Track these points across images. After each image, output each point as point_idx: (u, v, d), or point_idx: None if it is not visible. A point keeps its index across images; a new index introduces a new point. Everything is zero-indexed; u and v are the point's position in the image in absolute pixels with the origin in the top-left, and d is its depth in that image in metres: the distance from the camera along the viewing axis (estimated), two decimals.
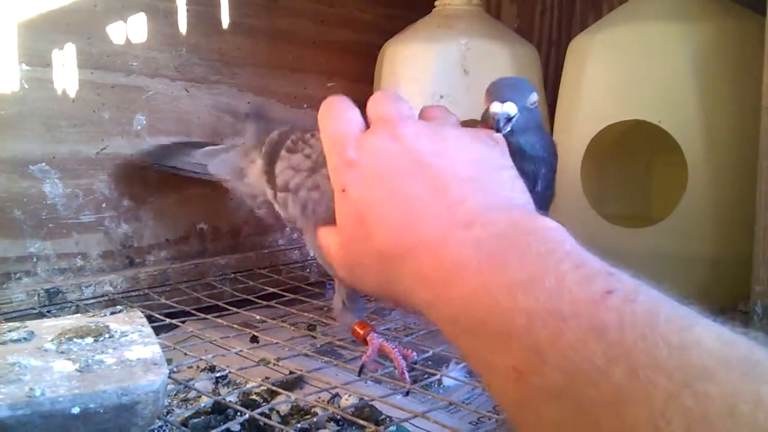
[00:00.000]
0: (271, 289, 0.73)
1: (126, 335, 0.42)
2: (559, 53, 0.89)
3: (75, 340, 0.41)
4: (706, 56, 0.60)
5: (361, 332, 0.52)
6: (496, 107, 0.45)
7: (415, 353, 0.51)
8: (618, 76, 0.65)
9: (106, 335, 0.42)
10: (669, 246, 0.63)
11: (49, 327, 0.43)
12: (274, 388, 0.49)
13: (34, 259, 0.66)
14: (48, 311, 0.63)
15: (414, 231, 0.33)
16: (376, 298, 0.43)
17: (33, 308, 0.63)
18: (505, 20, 0.99)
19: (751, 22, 0.60)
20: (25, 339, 0.41)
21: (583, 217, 0.67)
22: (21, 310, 0.62)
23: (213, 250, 0.79)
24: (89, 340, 0.41)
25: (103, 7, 0.68)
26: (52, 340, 0.40)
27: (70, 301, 0.66)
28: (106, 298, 0.68)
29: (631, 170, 0.75)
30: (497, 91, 0.48)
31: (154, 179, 0.74)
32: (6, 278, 0.64)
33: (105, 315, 0.46)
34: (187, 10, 0.75)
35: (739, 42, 0.60)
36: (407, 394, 0.48)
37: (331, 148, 0.39)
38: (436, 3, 0.80)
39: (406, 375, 0.49)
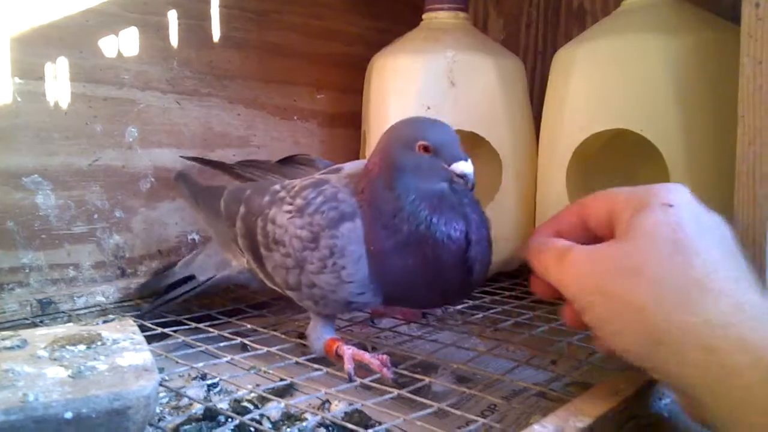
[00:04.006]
0: (262, 299, 0.74)
1: (118, 342, 0.43)
2: (545, 65, 0.90)
3: (68, 347, 0.41)
4: (685, 66, 0.61)
5: (333, 348, 0.54)
6: (466, 167, 0.45)
7: (387, 357, 0.52)
8: (601, 87, 0.66)
9: (99, 342, 0.42)
10: None
11: (42, 335, 0.44)
12: (264, 394, 0.49)
13: (27, 270, 0.66)
14: (41, 321, 0.64)
15: None
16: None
17: (26, 318, 0.64)
18: (492, 33, 1.00)
19: (729, 33, 0.62)
20: (18, 347, 0.41)
21: None
22: (13, 321, 0.63)
23: None
24: (82, 347, 0.41)
25: (95, 21, 0.69)
26: (45, 348, 0.41)
27: (63, 312, 0.66)
28: (98, 308, 0.69)
29: (616, 178, 0.76)
30: (449, 143, 0.46)
31: (145, 190, 0.75)
32: None
33: (97, 324, 0.47)
34: (178, 24, 0.76)
35: (717, 52, 0.61)
36: (397, 386, 0.49)
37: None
38: (423, 16, 0.81)
39: (386, 370, 0.50)
